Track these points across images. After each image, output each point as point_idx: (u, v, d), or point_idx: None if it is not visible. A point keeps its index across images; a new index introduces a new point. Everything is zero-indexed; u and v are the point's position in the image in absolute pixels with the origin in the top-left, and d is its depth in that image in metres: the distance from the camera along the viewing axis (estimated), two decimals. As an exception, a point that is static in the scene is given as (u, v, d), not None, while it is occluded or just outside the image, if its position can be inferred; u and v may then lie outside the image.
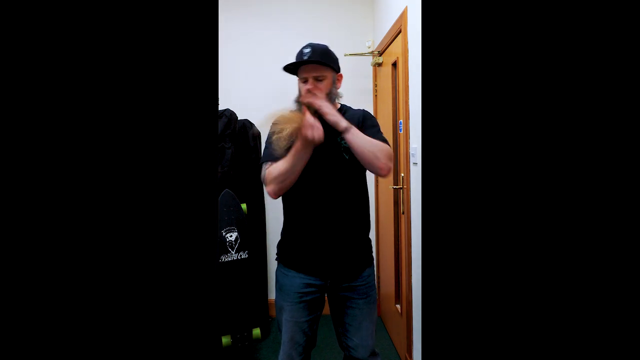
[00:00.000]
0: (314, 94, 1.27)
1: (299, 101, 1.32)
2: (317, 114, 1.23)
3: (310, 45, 1.33)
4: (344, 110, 1.41)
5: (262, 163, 1.35)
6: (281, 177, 1.25)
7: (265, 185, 1.31)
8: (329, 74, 1.34)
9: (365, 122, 1.38)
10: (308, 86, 1.31)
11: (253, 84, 2.93)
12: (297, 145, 1.23)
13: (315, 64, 1.31)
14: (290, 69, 1.36)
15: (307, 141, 1.19)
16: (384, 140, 1.34)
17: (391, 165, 1.29)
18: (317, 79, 1.32)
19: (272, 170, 1.28)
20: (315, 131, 1.17)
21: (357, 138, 1.25)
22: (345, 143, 1.29)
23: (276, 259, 1.44)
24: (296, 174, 1.25)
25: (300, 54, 1.33)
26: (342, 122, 1.24)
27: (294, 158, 1.23)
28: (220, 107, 2.55)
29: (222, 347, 2.25)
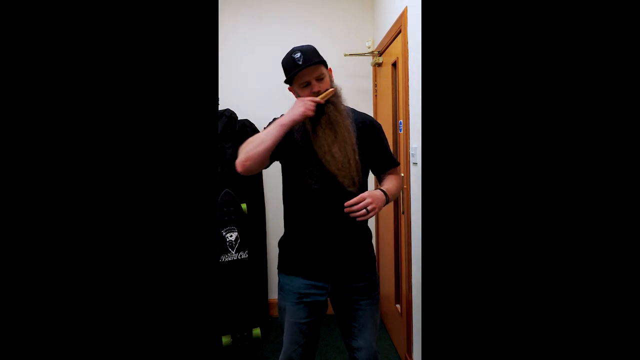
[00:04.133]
0: (359, 205, 1.26)
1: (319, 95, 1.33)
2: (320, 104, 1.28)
3: (298, 50, 1.31)
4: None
5: None
6: (250, 147, 1.28)
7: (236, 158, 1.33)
8: (325, 71, 1.34)
9: (375, 134, 1.42)
10: (314, 88, 1.30)
11: (253, 84, 2.93)
12: (277, 120, 1.29)
13: (312, 65, 1.29)
14: (289, 77, 1.35)
15: (291, 116, 1.25)
16: (395, 161, 1.47)
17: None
18: (318, 79, 1.31)
19: (246, 142, 1.32)
20: (307, 108, 1.24)
21: (393, 198, 1.38)
22: None
23: (277, 269, 1.44)
24: (265, 146, 1.26)
25: (292, 60, 1.30)
26: (383, 202, 1.31)
27: (267, 130, 1.28)
28: (220, 107, 2.56)
29: (222, 346, 2.25)
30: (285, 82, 1.36)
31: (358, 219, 1.23)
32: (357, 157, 1.32)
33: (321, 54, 1.34)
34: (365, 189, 1.38)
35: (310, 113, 1.25)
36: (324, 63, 1.34)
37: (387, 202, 1.33)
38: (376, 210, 1.25)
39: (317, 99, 1.27)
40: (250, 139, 1.30)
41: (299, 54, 1.29)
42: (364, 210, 1.23)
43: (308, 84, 1.31)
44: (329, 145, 1.29)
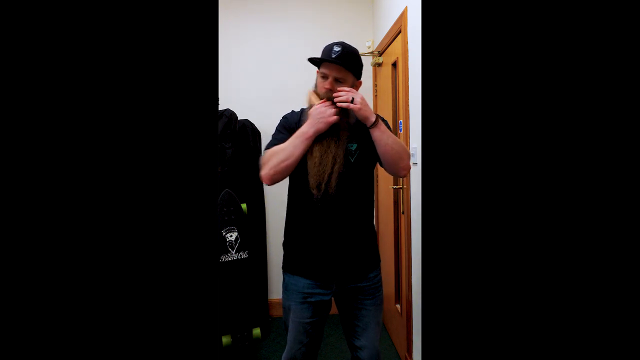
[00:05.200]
0: (347, 90, 1.26)
1: (329, 93, 1.30)
2: (336, 105, 1.26)
3: (341, 44, 1.31)
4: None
5: (265, 150, 1.36)
6: (277, 161, 1.25)
7: (260, 170, 1.29)
8: (350, 78, 1.33)
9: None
10: (326, 85, 1.30)
11: (253, 84, 2.93)
12: (300, 130, 1.26)
13: (340, 65, 1.29)
14: (314, 60, 1.35)
15: (314, 125, 1.23)
16: None
17: (410, 165, 1.33)
18: (338, 80, 1.31)
19: (269, 152, 1.28)
20: (328, 116, 1.22)
21: (385, 135, 1.27)
22: (352, 146, 1.31)
23: (282, 268, 1.44)
24: (293, 160, 1.24)
25: (330, 50, 1.31)
26: (372, 116, 1.26)
27: (293, 143, 1.25)
28: (220, 107, 2.55)
29: (222, 347, 2.25)
30: (313, 62, 1.36)
31: (337, 101, 1.24)
32: (334, 167, 1.29)
33: (321, 54, 1.34)
34: (364, 190, 1.38)
35: (334, 119, 1.25)
36: (355, 73, 1.34)
37: (376, 124, 1.26)
38: (358, 103, 1.24)
39: (334, 106, 1.26)
40: (273, 151, 1.28)
41: (338, 48, 1.30)
42: (348, 95, 1.23)
43: (326, 77, 1.31)
44: (314, 150, 1.30)
